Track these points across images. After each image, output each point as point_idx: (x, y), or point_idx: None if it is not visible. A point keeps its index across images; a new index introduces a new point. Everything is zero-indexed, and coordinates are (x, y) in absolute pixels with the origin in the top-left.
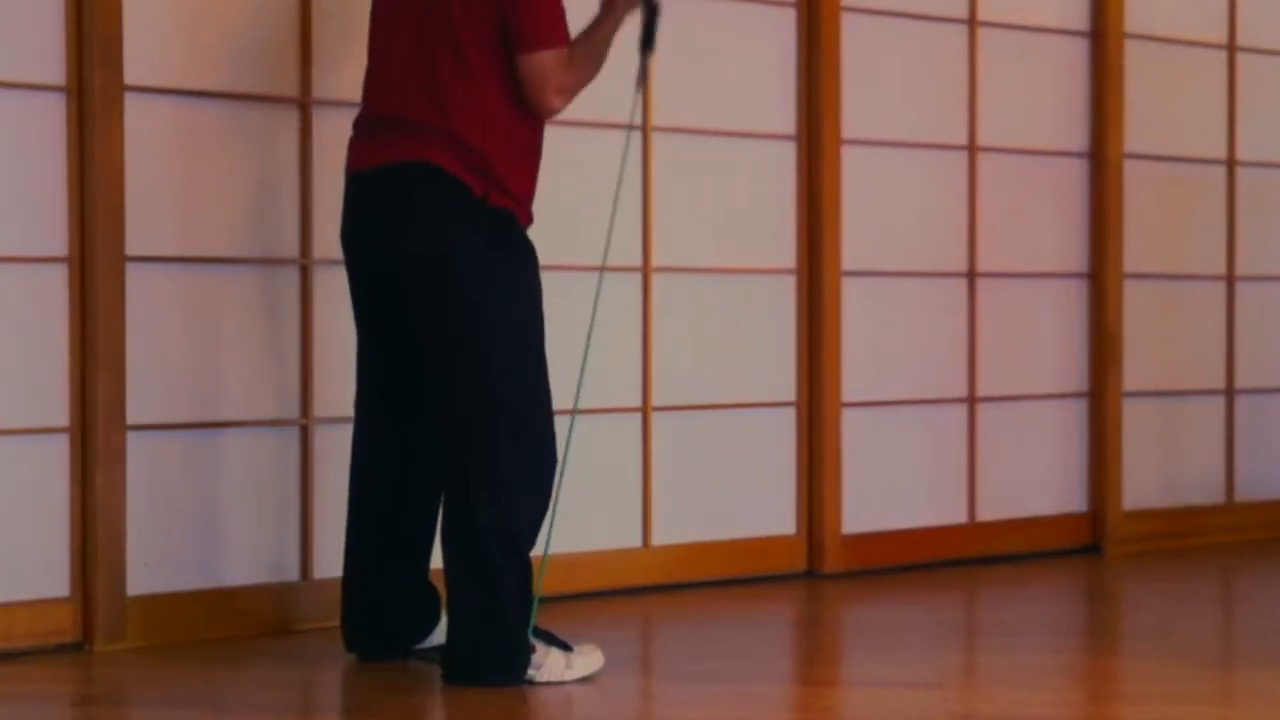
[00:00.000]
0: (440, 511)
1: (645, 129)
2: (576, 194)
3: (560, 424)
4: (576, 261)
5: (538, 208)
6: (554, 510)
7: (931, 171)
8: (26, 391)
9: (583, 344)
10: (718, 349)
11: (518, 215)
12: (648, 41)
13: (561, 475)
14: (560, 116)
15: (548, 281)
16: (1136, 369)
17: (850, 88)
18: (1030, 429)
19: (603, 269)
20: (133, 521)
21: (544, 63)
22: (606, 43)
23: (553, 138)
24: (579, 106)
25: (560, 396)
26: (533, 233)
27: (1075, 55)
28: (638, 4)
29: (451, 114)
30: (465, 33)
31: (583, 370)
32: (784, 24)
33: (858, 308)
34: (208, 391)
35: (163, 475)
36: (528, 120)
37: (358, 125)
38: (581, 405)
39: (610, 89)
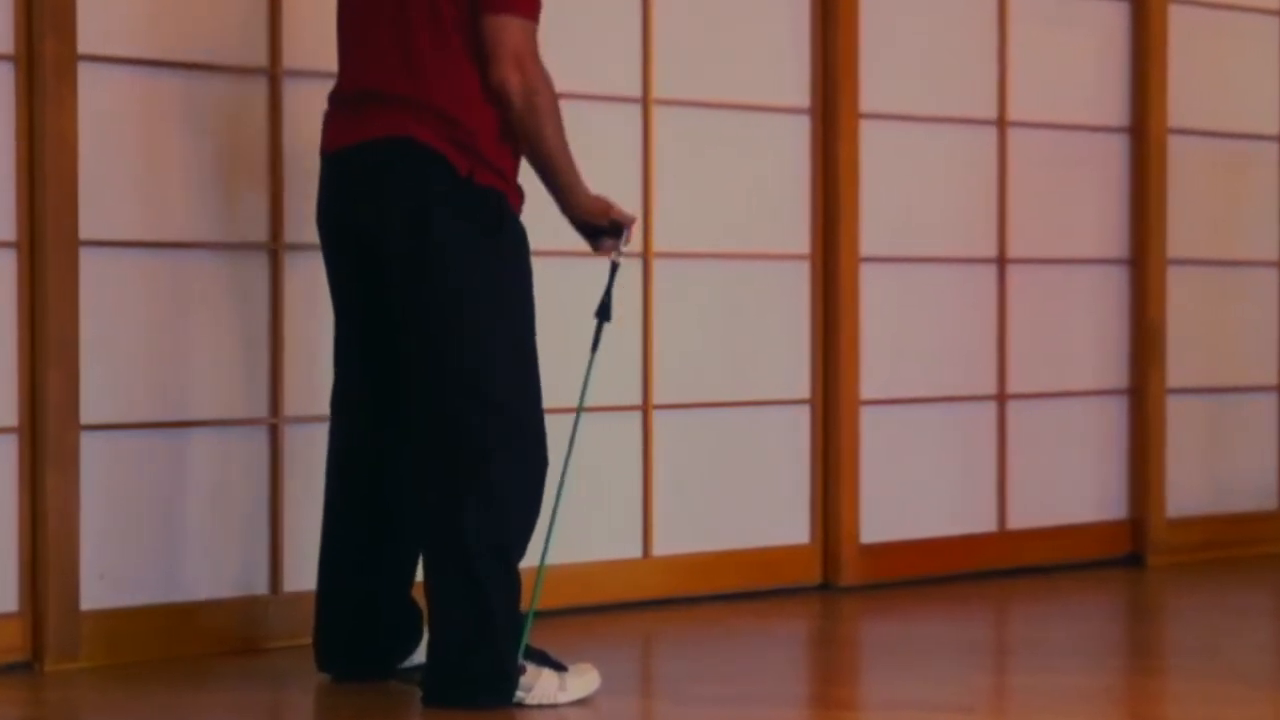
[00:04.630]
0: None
1: (646, 102)
2: None
3: (561, 423)
4: (569, 246)
5: (528, 189)
6: (553, 517)
7: (958, 148)
8: None
9: (577, 335)
10: (725, 342)
11: (507, 195)
12: (604, 309)
13: (562, 480)
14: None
15: (537, 267)
16: (1181, 364)
17: (869, 57)
18: (1066, 429)
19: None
20: (87, 529)
21: (505, 26)
22: (566, 159)
23: None
24: (574, 79)
25: (557, 393)
26: (522, 215)
27: (1115, 21)
28: (605, 227)
29: (431, 86)
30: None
31: (588, 373)
32: None
33: (877, 297)
34: (169, 388)
35: (120, 479)
36: (499, 101)
37: (332, 100)
38: (571, 404)
39: (602, 57)
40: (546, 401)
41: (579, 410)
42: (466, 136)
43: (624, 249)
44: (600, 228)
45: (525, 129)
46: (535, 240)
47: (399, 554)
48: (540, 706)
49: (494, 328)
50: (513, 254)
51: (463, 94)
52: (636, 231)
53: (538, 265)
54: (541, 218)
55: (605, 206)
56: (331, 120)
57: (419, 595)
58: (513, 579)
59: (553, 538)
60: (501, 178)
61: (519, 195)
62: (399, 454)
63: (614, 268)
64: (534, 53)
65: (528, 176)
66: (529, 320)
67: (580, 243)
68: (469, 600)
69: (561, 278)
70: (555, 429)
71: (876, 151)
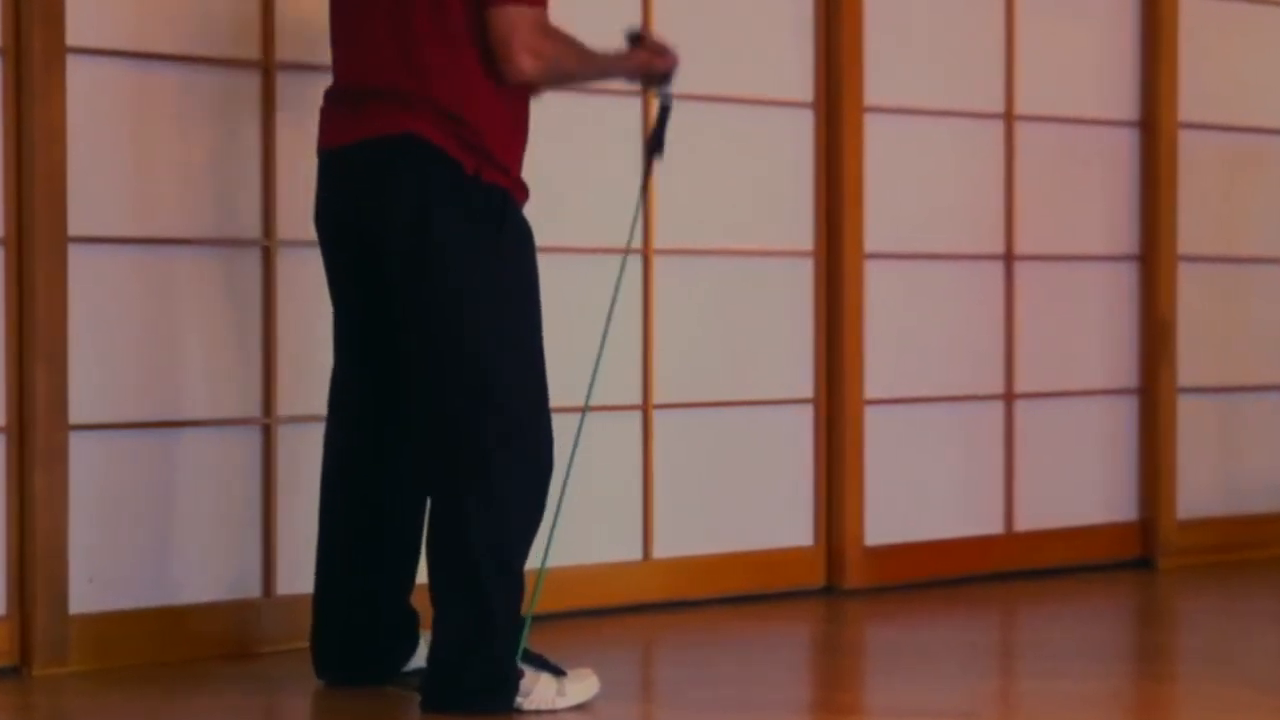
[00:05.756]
0: (425, 523)
1: (645, 95)
2: (569, 168)
3: (563, 423)
4: (571, 243)
5: (532, 186)
6: (554, 520)
7: (964, 142)
8: None
9: (581, 334)
10: (726, 340)
11: (512, 193)
12: (657, 144)
13: (566, 480)
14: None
15: (543, 264)
16: (1192, 362)
17: (874, 49)
18: (1074, 429)
19: (626, 251)
20: (76, 531)
21: (513, 17)
22: (599, 70)
23: (542, 104)
24: None
25: (565, 391)
26: (527, 210)
27: (1124, 13)
28: (654, 78)
29: (434, 83)
30: None
31: (596, 369)
32: None
33: (882, 294)
34: (160, 387)
35: (109, 480)
36: (516, 88)
37: (329, 97)
38: (576, 401)
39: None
40: (553, 399)
41: (603, 339)
42: (472, 135)
43: (671, 89)
44: (651, 77)
45: (561, 88)
46: (541, 237)
47: (398, 556)
48: (538, 712)
49: (494, 327)
50: (515, 252)
51: (468, 91)
52: (637, 228)
53: (544, 262)
54: (546, 214)
55: (646, 62)
56: (329, 117)
57: (416, 600)
58: (513, 580)
59: (553, 540)
60: (506, 175)
61: (523, 191)
62: (399, 453)
63: (664, 109)
64: (545, 33)
65: (534, 167)
66: (532, 319)
67: (587, 239)
68: (469, 600)
69: (567, 275)
70: (563, 426)
71: (881, 146)
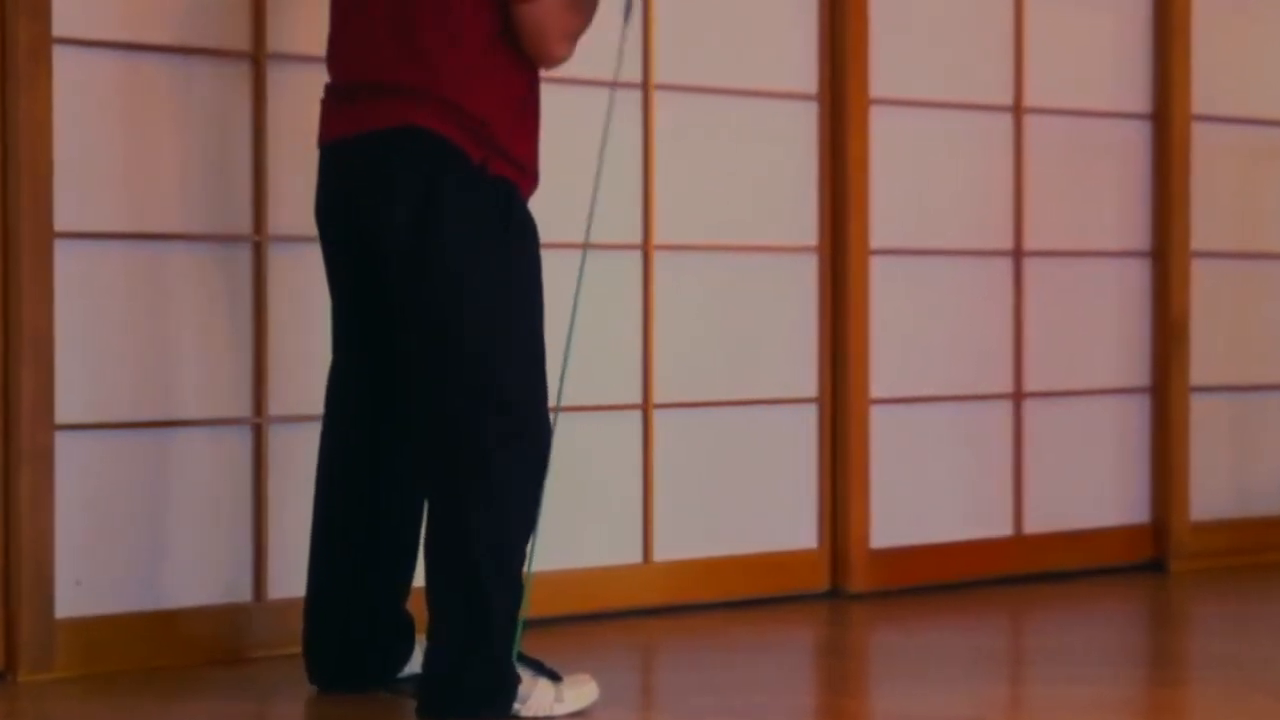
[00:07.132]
0: (422, 525)
1: (645, 87)
2: (571, 162)
3: (567, 420)
4: (574, 239)
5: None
6: (540, 520)
7: (972, 135)
8: None
9: (586, 331)
10: (729, 338)
11: (520, 186)
12: None
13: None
14: (549, 73)
15: (545, 260)
16: (1205, 361)
17: (879, 40)
18: (1085, 429)
19: (585, 246)
20: (62, 533)
21: (546, 9)
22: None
23: (542, 96)
24: (571, 63)
25: (565, 391)
26: (530, 205)
27: (1136, 2)
28: None
29: (437, 72)
30: None
31: (565, 362)
32: None
33: (888, 291)
34: (148, 386)
35: (97, 481)
36: (523, 75)
37: (330, 91)
38: (575, 401)
39: (601, 41)
40: (553, 399)
41: (587, 242)
42: (479, 125)
43: None
44: None
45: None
46: (543, 232)
47: (394, 558)
48: (536, 718)
49: (496, 326)
50: (519, 249)
51: (471, 82)
52: (637, 224)
53: (545, 258)
54: (545, 208)
55: None
56: (328, 112)
57: (411, 605)
58: (512, 581)
59: (535, 543)
60: (515, 167)
61: (532, 185)
62: (396, 452)
63: None
64: (570, 10)
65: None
66: (534, 318)
67: (581, 235)
68: (468, 601)
69: (569, 272)
70: (561, 426)
71: (887, 139)
